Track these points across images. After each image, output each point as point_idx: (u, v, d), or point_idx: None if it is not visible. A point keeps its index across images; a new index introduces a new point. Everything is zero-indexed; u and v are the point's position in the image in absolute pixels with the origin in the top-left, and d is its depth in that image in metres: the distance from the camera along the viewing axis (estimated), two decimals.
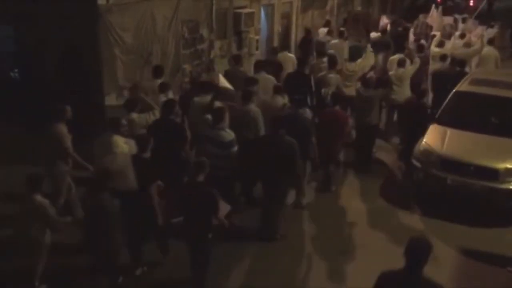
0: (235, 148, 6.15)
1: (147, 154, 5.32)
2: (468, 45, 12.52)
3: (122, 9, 7.64)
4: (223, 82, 7.76)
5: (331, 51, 11.14)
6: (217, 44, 10.94)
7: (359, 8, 20.33)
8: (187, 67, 9.96)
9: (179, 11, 9.10)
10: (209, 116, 6.42)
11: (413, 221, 7.12)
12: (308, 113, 7.21)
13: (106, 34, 7.37)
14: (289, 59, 10.51)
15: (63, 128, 6.08)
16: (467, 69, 10.81)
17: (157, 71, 7.73)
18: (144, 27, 8.19)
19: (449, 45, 12.52)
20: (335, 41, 12.45)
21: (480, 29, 15.04)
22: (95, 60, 7.36)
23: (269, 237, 6.28)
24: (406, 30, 15.20)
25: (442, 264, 6.06)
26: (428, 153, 7.47)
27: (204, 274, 5.18)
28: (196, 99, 7.13)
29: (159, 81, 7.48)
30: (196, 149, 6.69)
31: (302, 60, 9.53)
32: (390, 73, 9.90)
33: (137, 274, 5.52)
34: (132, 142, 5.61)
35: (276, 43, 13.68)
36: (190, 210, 4.97)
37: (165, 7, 8.74)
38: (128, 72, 7.96)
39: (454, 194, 7.19)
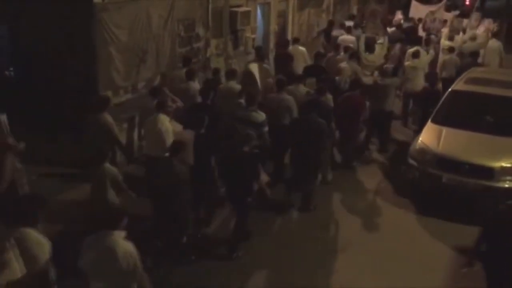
0: (266, 128, 6.88)
1: (203, 131, 6.19)
2: (473, 39, 13.20)
3: (118, 7, 7.61)
4: (254, 69, 8.91)
5: (350, 45, 11.83)
6: (213, 42, 10.91)
7: (355, 7, 20.41)
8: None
9: (175, 9, 9.08)
10: (241, 100, 7.33)
11: (409, 219, 7.14)
12: (329, 99, 7.96)
13: (102, 33, 7.34)
14: (300, 52, 10.95)
15: (108, 117, 6.60)
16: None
17: (185, 60, 8.67)
18: (140, 26, 8.17)
19: (458, 38, 13.46)
20: (346, 36, 12.91)
21: (487, 23, 15.69)
22: (91, 58, 7.33)
23: (305, 208, 7.11)
24: (416, 25, 16.05)
25: (437, 262, 6.10)
26: (424, 152, 7.49)
27: (244, 228, 6.12)
28: (223, 85, 8.19)
29: (185, 69, 8.29)
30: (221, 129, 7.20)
31: (319, 53, 10.55)
32: (406, 63, 10.43)
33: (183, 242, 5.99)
34: (174, 123, 6.62)
35: (272, 41, 13.67)
36: (235, 176, 5.80)
37: (161, 6, 8.72)
38: (124, 71, 7.94)
39: (450, 192, 7.22)
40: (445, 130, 7.73)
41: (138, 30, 8.14)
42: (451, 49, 11.96)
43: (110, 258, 3.76)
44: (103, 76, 7.52)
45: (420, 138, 7.75)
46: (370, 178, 8.38)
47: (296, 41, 11.54)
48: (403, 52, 12.03)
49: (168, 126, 6.46)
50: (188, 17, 9.85)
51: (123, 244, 3.82)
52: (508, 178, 6.96)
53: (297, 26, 15.20)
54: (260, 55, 10.08)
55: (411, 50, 11.12)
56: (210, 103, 7.40)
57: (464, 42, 13.22)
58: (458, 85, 8.85)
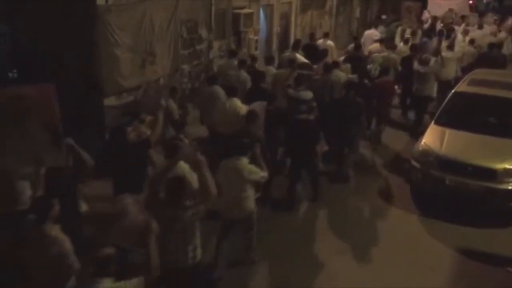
0: (315, 104, 7.98)
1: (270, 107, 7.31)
2: (494, 34, 14.61)
3: (121, 9, 7.64)
4: (301, 58, 10.15)
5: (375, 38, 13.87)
6: (216, 44, 10.94)
7: (358, 9, 20.42)
8: (185, 67, 9.97)
9: (178, 11, 9.12)
10: (291, 83, 8.48)
11: (411, 221, 7.14)
12: (367, 83, 9.43)
13: (105, 34, 7.37)
14: (329, 46, 12.10)
15: (174, 103, 7.53)
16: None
17: (231, 53, 10.13)
18: (143, 27, 8.20)
19: (474, 33, 14.50)
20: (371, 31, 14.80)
21: (510, 21, 17.12)
22: (94, 60, 7.35)
23: (343, 179, 8.12)
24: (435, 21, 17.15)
25: (441, 264, 6.09)
26: (426, 153, 7.48)
27: (317, 180, 7.48)
28: (275, 71, 9.57)
29: (235, 60, 9.44)
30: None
31: (358, 45, 12.03)
32: (442, 54, 11.21)
33: None
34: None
35: (275, 43, 13.68)
36: (303, 141, 7.02)
37: (164, 8, 8.75)
38: (127, 72, 7.96)
39: (453, 194, 7.20)
40: (448, 131, 7.72)
41: (142, 32, 8.17)
42: (471, 41, 13.13)
43: None
44: (107, 77, 7.54)
45: (423, 140, 7.74)
46: (372, 179, 8.37)
47: (326, 35, 13.06)
48: (439, 45, 12.71)
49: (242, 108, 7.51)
50: (191, 19, 9.89)
51: None
52: (511, 180, 6.96)
53: (300, 28, 15.22)
54: (269, 61, 10.09)
55: (445, 44, 12.33)
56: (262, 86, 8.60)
57: (484, 36, 14.36)
58: (461, 86, 8.84)
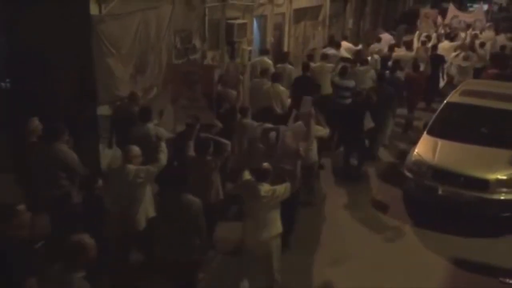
0: (358, 89, 9.58)
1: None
2: (510, 39, 16.82)
3: (115, 19, 7.64)
4: (344, 53, 13.01)
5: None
6: (210, 54, 10.96)
7: (351, 20, 20.62)
8: None
9: (172, 21, 9.12)
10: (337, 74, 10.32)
11: (405, 231, 7.14)
12: (401, 76, 11.05)
13: (99, 44, 7.36)
14: (348, 48, 14.35)
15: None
16: None
17: (264, 51, 12.15)
18: (137, 37, 8.19)
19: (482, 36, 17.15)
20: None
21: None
22: (88, 70, 7.34)
23: (372, 157, 9.48)
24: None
25: (434, 274, 6.09)
26: (419, 163, 7.52)
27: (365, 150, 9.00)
28: (315, 65, 11.00)
29: (265, 57, 11.33)
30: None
31: (392, 46, 14.66)
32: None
33: None
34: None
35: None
36: (352, 122, 8.41)
37: (158, 18, 8.75)
38: (120, 82, 7.95)
39: (446, 204, 7.23)
40: (440, 142, 7.77)
41: (136, 42, 8.17)
42: (482, 44, 15.06)
43: None
44: (101, 87, 7.53)
45: (416, 150, 7.78)
46: (366, 189, 8.39)
47: (345, 38, 15.95)
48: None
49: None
50: (185, 29, 9.90)
51: None
52: (504, 190, 6.99)
53: (293, 38, 15.30)
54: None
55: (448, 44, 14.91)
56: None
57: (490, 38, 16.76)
58: (454, 97, 8.91)
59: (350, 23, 20.70)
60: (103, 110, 7.75)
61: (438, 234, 6.97)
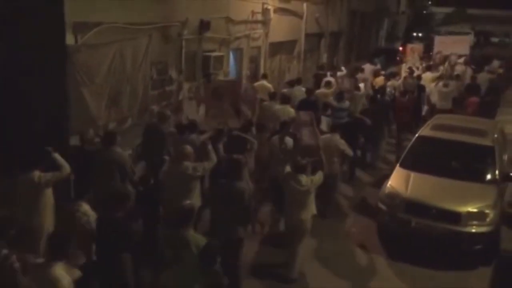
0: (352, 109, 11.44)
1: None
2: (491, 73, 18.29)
3: (91, 49, 7.63)
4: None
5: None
6: (186, 86, 11.00)
7: (325, 54, 21.11)
8: (154, 108, 9.94)
9: (149, 52, 9.15)
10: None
11: (378, 263, 7.14)
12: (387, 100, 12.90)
13: (74, 74, 7.31)
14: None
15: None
16: None
17: (263, 76, 13.35)
18: (113, 68, 8.16)
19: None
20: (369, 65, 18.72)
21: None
22: (62, 100, 7.25)
23: (370, 164, 11.25)
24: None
25: None
26: (393, 196, 7.59)
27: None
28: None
29: (264, 81, 12.71)
30: None
31: (392, 73, 17.06)
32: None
33: None
34: None
35: None
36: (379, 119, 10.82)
37: (135, 48, 8.77)
38: (95, 113, 7.87)
39: (419, 237, 7.28)
40: (413, 174, 7.87)
41: (111, 72, 8.14)
42: (457, 76, 16.49)
43: None
44: (74, 117, 7.43)
45: (389, 182, 7.87)
46: (341, 221, 8.40)
47: (321, 68, 17.60)
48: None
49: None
50: (162, 61, 9.95)
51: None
52: (475, 223, 7.09)
53: (269, 71, 15.52)
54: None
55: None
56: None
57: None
58: (425, 131, 9.11)
59: (324, 57, 21.17)
60: (76, 140, 7.63)
61: (411, 267, 6.98)
